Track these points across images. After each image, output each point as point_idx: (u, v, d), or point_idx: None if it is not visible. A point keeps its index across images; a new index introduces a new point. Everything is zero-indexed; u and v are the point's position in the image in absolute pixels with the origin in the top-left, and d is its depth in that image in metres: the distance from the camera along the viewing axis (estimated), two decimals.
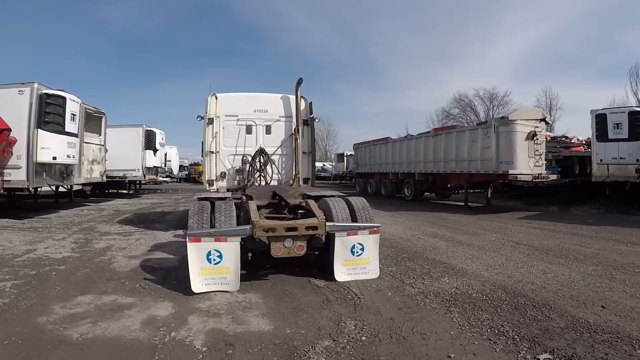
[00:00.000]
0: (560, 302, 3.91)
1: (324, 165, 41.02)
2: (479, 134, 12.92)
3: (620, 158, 11.55)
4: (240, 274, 4.33)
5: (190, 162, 37.73)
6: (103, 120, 13.35)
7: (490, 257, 6.02)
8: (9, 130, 8.72)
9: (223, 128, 8.14)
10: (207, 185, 8.15)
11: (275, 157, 8.22)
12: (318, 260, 5.25)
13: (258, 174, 7.98)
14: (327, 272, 4.74)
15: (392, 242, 7.20)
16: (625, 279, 4.76)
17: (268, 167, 8.06)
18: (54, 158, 9.51)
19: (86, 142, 11.91)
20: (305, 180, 8.22)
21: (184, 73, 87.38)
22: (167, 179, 28.41)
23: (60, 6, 73.73)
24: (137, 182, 19.21)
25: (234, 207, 4.76)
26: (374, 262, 4.76)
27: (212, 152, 8.10)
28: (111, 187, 17.32)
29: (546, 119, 13.78)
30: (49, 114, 9.29)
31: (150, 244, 6.89)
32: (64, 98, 9.70)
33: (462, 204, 14.10)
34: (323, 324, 3.40)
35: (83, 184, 13.87)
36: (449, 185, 15.79)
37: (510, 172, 11.89)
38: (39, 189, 11.54)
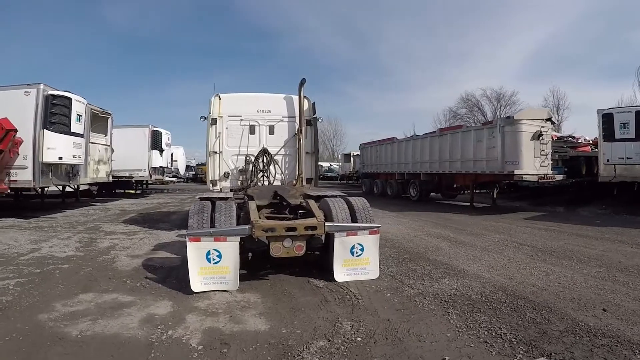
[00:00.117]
0: (561, 304, 3.86)
1: (330, 165, 41.06)
2: (484, 133, 12.83)
3: (627, 158, 11.38)
4: (240, 274, 4.36)
5: (197, 162, 37.97)
6: (109, 120, 13.50)
7: (493, 258, 5.97)
8: (15, 131, 8.86)
9: (226, 128, 8.19)
10: (211, 185, 8.21)
11: (278, 157, 8.26)
12: (318, 260, 5.25)
13: (261, 174, 8.02)
14: (326, 272, 4.74)
15: (395, 242, 7.18)
16: (629, 281, 4.68)
17: (271, 167, 8.10)
18: (60, 158, 9.65)
19: (92, 143, 12.06)
20: (309, 180, 8.24)
21: (189, 73, 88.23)
22: (174, 179, 28.65)
23: (64, 6, 74.78)
24: (144, 182, 19.38)
25: (234, 207, 4.79)
26: (374, 263, 4.75)
27: (216, 152, 8.16)
28: (118, 187, 17.49)
29: (552, 119, 13.62)
30: (54, 114, 9.44)
31: (154, 244, 6.95)
32: (69, 99, 9.83)
33: (468, 204, 14.01)
34: (319, 324, 3.41)
35: (89, 184, 14.05)
36: (454, 186, 15.70)
37: (516, 172, 11.80)
38: (45, 189, 11.70)
